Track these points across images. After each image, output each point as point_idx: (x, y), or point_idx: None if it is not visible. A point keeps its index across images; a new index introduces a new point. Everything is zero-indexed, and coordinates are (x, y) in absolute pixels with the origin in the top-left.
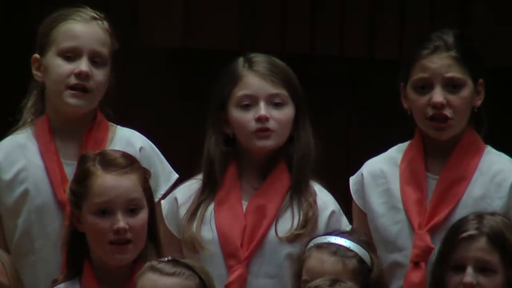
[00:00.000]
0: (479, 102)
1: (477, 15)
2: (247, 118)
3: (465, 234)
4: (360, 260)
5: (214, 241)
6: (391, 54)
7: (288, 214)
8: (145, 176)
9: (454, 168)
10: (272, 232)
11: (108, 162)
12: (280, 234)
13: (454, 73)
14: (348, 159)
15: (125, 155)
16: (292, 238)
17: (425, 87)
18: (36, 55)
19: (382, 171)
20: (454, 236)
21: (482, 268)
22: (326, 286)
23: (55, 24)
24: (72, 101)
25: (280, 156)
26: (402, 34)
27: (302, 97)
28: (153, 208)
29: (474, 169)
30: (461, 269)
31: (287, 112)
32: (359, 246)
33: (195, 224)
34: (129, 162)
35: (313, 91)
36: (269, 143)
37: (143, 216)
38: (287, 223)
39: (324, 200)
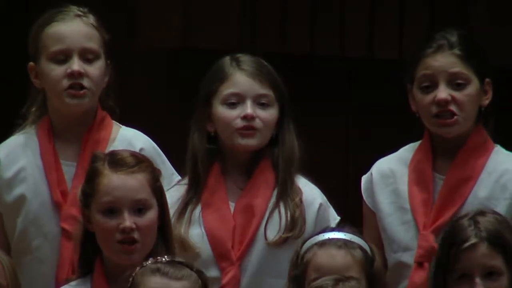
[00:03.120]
0: (486, 102)
1: (477, 15)
2: (232, 115)
3: (466, 245)
4: (363, 250)
5: (204, 244)
6: (391, 54)
7: (275, 216)
8: (154, 175)
9: (460, 168)
10: (261, 231)
11: (116, 161)
12: (269, 238)
13: (459, 68)
14: (347, 159)
15: (134, 155)
16: (281, 241)
17: (429, 86)
18: (31, 63)
19: (392, 171)
20: (453, 247)
21: (489, 274)
22: (330, 286)
23: (41, 29)
24: (72, 101)
25: (263, 155)
26: (401, 34)
27: (286, 99)
28: (164, 208)
29: (481, 169)
30: (468, 277)
31: (273, 113)
32: (357, 237)
33: (183, 225)
34: (137, 162)
35: (313, 91)
36: (252, 142)
37: (150, 216)
38: (275, 226)
39: (310, 195)
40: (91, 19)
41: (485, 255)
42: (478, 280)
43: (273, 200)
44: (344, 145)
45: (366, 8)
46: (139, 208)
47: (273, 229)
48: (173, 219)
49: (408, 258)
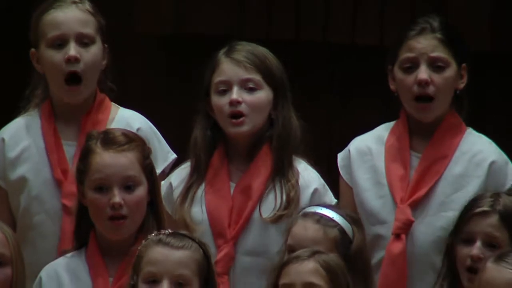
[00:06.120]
0: (462, 85)
1: (455, 3)
2: (222, 102)
3: (478, 210)
4: (342, 231)
5: (204, 222)
6: (372, 40)
7: (271, 195)
8: (144, 153)
9: (436, 147)
10: (257, 212)
11: (108, 140)
12: (264, 215)
13: (439, 53)
14: (331, 144)
15: (126, 133)
16: (276, 219)
17: (411, 66)
18: (33, 50)
19: (369, 148)
20: (468, 211)
21: (490, 244)
22: (305, 256)
23: (40, 17)
24: (70, 95)
25: (264, 139)
26: (382, 20)
27: (280, 81)
28: (155, 185)
29: (455, 148)
30: (471, 242)
31: (261, 96)
32: (342, 218)
33: (186, 206)
34: (128, 140)
35: (298, 76)
36: (242, 129)
37: (139, 193)
38: (270, 204)
39: (307, 178)
40: (87, 5)
41: (492, 225)
42: (478, 244)
43: (270, 181)
44: (327, 129)
45: None
46: (128, 185)
47: (269, 207)
48: (177, 202)
49: (384, 230)
